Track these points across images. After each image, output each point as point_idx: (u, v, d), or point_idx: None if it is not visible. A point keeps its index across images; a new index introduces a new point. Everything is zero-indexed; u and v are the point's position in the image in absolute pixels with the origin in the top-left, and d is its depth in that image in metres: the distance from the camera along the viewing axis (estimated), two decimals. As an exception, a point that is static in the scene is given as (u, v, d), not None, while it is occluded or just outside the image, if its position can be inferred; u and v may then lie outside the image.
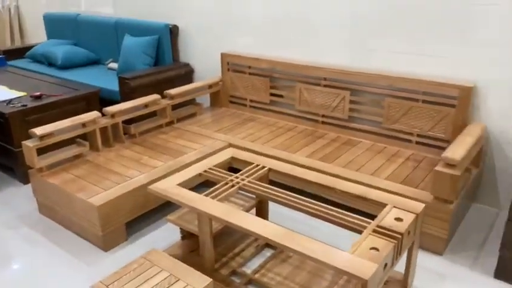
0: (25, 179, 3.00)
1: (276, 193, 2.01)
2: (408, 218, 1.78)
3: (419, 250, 2.31)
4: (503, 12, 2.36)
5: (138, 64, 3.82)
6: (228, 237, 2.37)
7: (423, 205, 1.87)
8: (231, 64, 3.58)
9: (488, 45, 2.45)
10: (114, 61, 4.41)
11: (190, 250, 2.27)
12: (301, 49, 3.22)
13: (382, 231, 1.69)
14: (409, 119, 2.77)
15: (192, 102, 3.64)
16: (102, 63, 4.62)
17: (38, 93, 3.19)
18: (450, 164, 2.13)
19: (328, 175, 2.43)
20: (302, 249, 1.57)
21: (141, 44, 3.88)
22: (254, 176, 2.18)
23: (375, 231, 1.70)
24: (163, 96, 3.30)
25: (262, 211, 2.40)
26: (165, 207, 2.69)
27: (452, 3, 2.50)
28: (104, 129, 2.88)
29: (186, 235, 2.36)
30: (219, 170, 2.24)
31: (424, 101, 2.70)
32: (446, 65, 2.62)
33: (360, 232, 1.74)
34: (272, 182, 2.69)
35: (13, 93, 3.29)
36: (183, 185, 2.12)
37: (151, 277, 1.70)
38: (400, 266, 2.07)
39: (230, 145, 2.96)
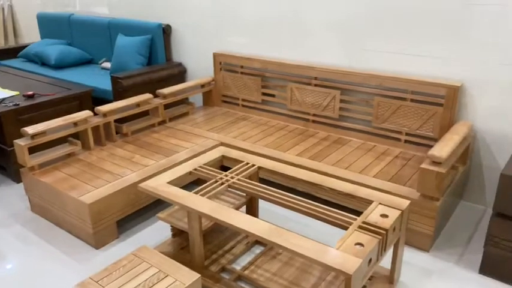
0: (17, 178, 3.02)
1: (265, 191, 2.04)
2: (393, 215, 1.82)
3: (406, 247, 2.34)
4: (491, 13, 2.40)
5: (131, 64, 3.84)
6: (219, 234, 2.40)
7: (408, 202, 1.90)
8: (223, 64, 3.61)
9: (476, 46, 2.49)
10: (108, 61, 4.43)
11: (181, 247, 2.30)
12: (293, 49, 3.25)
13: (368, 227, 1.72)
14: (398, 118, 2.81)
15: (184, 101, 3.66)
16: (96, 63, 4.63)
17: (30, 93, 3.21)
18: (436, 162, 2.16)
19: (317, 173, 2.47)
20: (288, 245, 1.60)
21: (134, 44, 3.90)
22: (244, 174, 2.21)
23: (360, 227, 1.73)
24: (155, 96, 3.33)
25: (252, 209, 2.43)
26: (156, 205, 2.71)
27: (441, 4, 2.54)
28: (96, 128, 2.90)
29: (177, 233, 2.39)
30: (209, 168, 2.26)
31: (412, 100, 2.74)
32: (435, 64, 2.66)
33: (346, 228, 1.77)
34: (263, 181, 2.73)
35: (6, 93, 3.30)
36: (173, 183, 2.15)
37: (141, 273, 1.73)
38: (387, 262, 2.11)
39: (222, 144, 2.98)
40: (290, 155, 2.75)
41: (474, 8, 2.44)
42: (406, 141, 2.83)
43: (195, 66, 3.93)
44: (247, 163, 2.31)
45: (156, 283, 1.67)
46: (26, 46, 5.04)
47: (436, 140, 2.69)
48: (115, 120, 3.05)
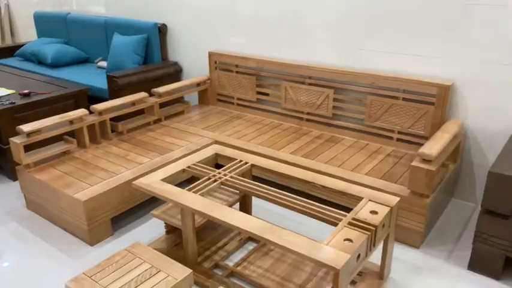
0: (13, 176, 3.04)
1: (257, 188, 2.07)
2: (383, 211, 1.85)
3: (396, 243, 2.38)
4: (482, 13, 2.43)
5: (127, 63, 3.87)
6: (212, 231, 2.43)
7: (398, 199, 1.93)
8: (218, 63, 3.64)
9: (467, 45, 2.52)
10: (104, 60, 4.45)
11: (174, 244, 2.32)
12: (287, 48, 3.28)
13: (357, 224, 1.75)
14: (390, 117, 2.84)
15: (180, 100, 3.68)
16: (92, 62, 4.66)
17: (26, 91, 3.23)
18: (426, 160, 2.20)
19: (310, 171, 2.50)
20: (278, 241, 1.63)
21: (130, 43, 3.92)
22: (237, 171, 2.24)
23: (350, 223, 1.76)
24: (151, 94, 3.35)
25: (245, 206, 2.46)
26: (150, 203, 2.74)
27: (433, 5, 2.57)
28: (91, 127, 2.92)
29: (171, 230, 2.41)
30: (203, 165, 2.29)
31: (404, 99, 2.77)
32: (427, 63, 2.69)
33: (336, 225, 1.80)
34: (257, 179, 2.76)
35: (2, 91, 3.32)
36: (166, 180, 2.17)
37: (133, 268, 1.75)
38: (377, 258, 2.14)
39: (216, 142, 3.01)
40: (284, 153, 2.78)
41: (465, 8, 2.47)
42: (398, 139, 2.86)
43: (191, 65, 3.96)
44: (241, 161, 2.34)
45: (148, 278, 1.70)
46: (22, 45, 5.05)
47: (427, 138, 2.72)
48: (111, 119, 3.08)
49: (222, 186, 2.36)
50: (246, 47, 3.51)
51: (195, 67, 3.93)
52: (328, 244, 1.63)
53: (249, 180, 2.13)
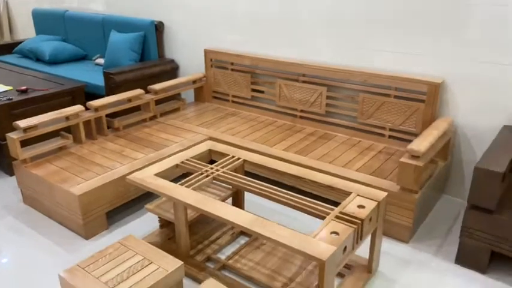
0: (10, 171, 3.09)
1: (248, 183, 2.11)
2: (370, 205, 1.89)
3: (386, 238, 2.42)
4: (472, 12, 2.47)
5: (124, 60, 3.90)
6: (205, 225, 2.47)
7: (385, 193, 1.97)
8: (214, 60, 3.68)
9: (457, 43, 2.56)
10: (101, 57, 4.49)
11: (168, 238, 2.37)
12: (282, 46, 3.32)
13: (344, 217, 1.79)
14: (382, 114, 2.88)
15: (176, 97, 3.72)
16: (90, 59, 4.69)
17: (24, 88, 3.27)
18: (415, 156, 2.24)
19: (302, 167, 2.54)
20: (266, 233, 1.67)
21: (127, 40, 3.95)
22: (229, 166, 2.28)
23: (337, 217, 1.81)
24: (147, 91, 3.39)
25: (238, 201, 2.50)
26: (145, 197, 2.78)
27: (424, 4, 2.60)
28: (87, 123, 2.96)
29: (164, 224, 2.46)
30: (196, 161, 2.33)
31: (395, 97, 2.81)
32: (418, 62, 2.73)
33: (324, 218, 1.84)
34: (250, 175, 2.80)
35: (0, 88, 3.36)
36: (160, 175, 2.21)
37: (126, 260, 1.80)
38: (366, 252, 2.18)
39: (211, 139, 3.05)
40: (277, 150, 2.82)
41: (457, 8, 2.51)
42: (390, 136, 2.90)
43: (187, 62, 4.00)
44: (233, 156, 2.38)
45: (140, 269, 1.74)
46: (21, 42, 5.09)
47: (418, 135, 2.75)
48: (107, 115, 3.12)
49: (215, 181, 2.40)
50: (241, 45, 3.55)
51: (191, 64, 3.97)
52: (315, 237, 1.67)
53: (240, 175, 2.18)
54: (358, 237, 1.80)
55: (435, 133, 2.40)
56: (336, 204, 2.45)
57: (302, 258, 2.18)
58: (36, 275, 2.16)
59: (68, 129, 2.90)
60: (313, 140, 2.99)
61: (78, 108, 2.86)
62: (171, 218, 2.18)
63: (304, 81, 3.19)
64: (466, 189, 2.78)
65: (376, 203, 1.91)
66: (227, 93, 3.66)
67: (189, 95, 3.95)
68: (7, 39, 6.04)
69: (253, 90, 3.52)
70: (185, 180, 2.13)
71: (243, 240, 2.41)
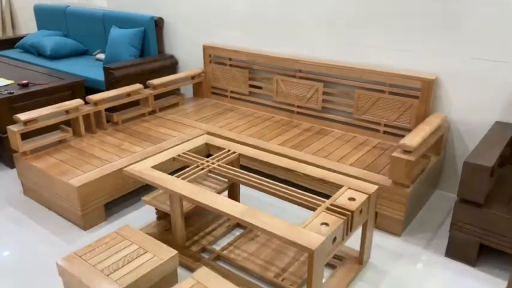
0: (11, 164, 3.14)
1: (242, 175, 2.16)
2: (360, 198, 1.93)
3: (378, 231, 2.46)
4: (466, 9, 2.50)
5: (124, 55, 3.95)
6: (201, 217, 2.52)
7: (376, 187, 2.02)
8: (212, 56, 3.72)
9: (451, 40, 2.60)
10: (102, 52, 4.54)
11: (165, 229, 2.42)
12: (279, 42, 3.36)
13: (334, 209, 1.84)
14: (377, 110, 2.92)
15: (175, 92, 3.77)
16: (90, 54, 4.74)
17: (25, 82, 3.32)
18: (406, 151, 2.28)
19: (297, 161, 2.59)
20: (258, 223, 1.72)
21: (127, 36, 4.00)
22: (224, 160, 2.33)
23: (328, 208, 1.85)
24: (147, 86, 3.44)
25: (233, 194, 2.55)
26: (143, 190, 2.83)
27: (418, 2, 2.64)
28: (87, 117, 3.01)
29: (161, 216, 2.51)
30: (192, 154, 2.38)
31: (390, 93, 2.85)
32: (412, 58, 2.76)
33: (315, 210, 1.89)
34: (246, 169, 2.85)
35: (1, 81, 3.41)
36: (157, 167, 2.26)
37: (122, 249, 1.85)
38: (358, 245, 2.23)
39: (208, 133, 3.10)
40: (272, 144, 2.86)
41: (450, 5, 2.54)
42: (384, 132, 2.94)
43: (187, 58, 4.04)
44: (229, 150, 2.43)
45: (135, 258, 1.79)
46: (23, 37, 5.14)
47: (412, 131, 2.79)
48: (107, 109, 3.17)
49: (211, 175, 2.46)
50: (240, 41, 3.59)
51: (190, 60, 4.01)
52: (305, 227, 1.71)
53: (235, 169, 2.22)
54: (348, 229, 1.84)
55: (427, 129, 2.44)
56: (328, 197, 2.50)
57: (295, 250, 2.23)
58: (35, 264, 2.21)
59: (67, 123, 2.96)
60: (309, 135, 3.04)
61: (77, 102, 2.91)
62: (167, 210, 2.23)
63: (300, 77, 3.24)
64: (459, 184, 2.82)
65: (366, 195, 1.96)
66: (225, 88, 3.70)
67: (188, 90, 3.99)
68: (9, 34, 6.09)
69: (251, 86, 3.56)
70: (181, 172, 2.18)
71: (238, 232, 2.45)
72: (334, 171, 2.52)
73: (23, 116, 2.66)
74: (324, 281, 2.02)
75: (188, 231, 2.39)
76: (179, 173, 2.16)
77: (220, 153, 2.39)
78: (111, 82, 3.59)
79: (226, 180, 2.52)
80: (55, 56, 4.53)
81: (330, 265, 2.17)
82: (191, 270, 2.13)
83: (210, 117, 3.37)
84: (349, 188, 2.02)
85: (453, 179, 2.83)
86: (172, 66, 4.07)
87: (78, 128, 2.95)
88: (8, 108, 3.08)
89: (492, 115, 2.58)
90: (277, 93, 3.39)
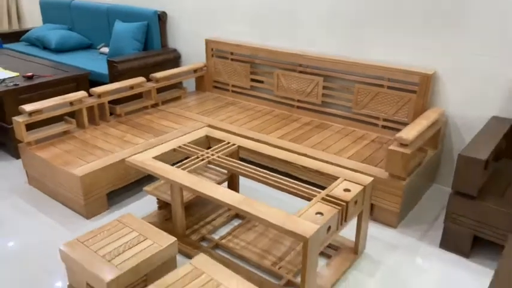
0: (16, 154, 3.21)
1: (241, 167, 2.21)
2: (356, 189, 1.98)
3: (374, 223, 2.51)
4: (464, 5, 2.53)
5: (128, 49, 4.00)
6: (201, 208, 2.57)
7: (371, 178, 2.06)
8: (215, 50, 3.76)
9: (449, 36, 2.63)
10: (106, 46, 4.59)
11: (165, 219, 2.47)
12: (281, 37, 3.39)
13: (330, 200, 1.89)
14: (376, 104, 2.96)
15: (177, 86, 3.81)
16: (95, 48, 4.80)
17: (30, 74, 3.38)
18: (403, 144, 2.32)
19: (296, 154, 2.63)
20: (253, 211, 1.77)
21: (130, 30, 4.05)
22: (224, 152, 2.38)
23: (323, 199, 1.90)
24: (149, 80, 3.49)
25: (233, 185, 2.60)
26: (145, 181, 2.88)
27: (416, -4, 2.68)
28: (90, 109, 3.07)
29: (163, 205, 2.56)
30: (192, 146, 2.43)
31: (389, 87, 2.88)
32: (411, 53, 2.79)
33: (311, 200, 1.94)
34: (245, 162, 2.89)
35: (7, 73, 3.48)
36: (158, 158, 2.32)
37: (123, 236, 1.90)
38: (354, 235, 2.28)
39: (209, 126, 3.14)
40: (272, 138, 2.91)
41: (449, 1, 2.57)
42: (383, 126, 2.98)
43: (190, 52, 4.08)
44: (228, 142, 2.48)
45: (136, 244, 1.85)
46: (28, 30, 5.20)
47: (410, 125, 2.84)
48: (110, 102, 3.22)
49: (212, 166, 2.51)
50: (241, 35, 3.63)
51: (193, 54, 4.05)
52: (301, 216, 1.76)
53: (234, 160, 2.27)
54: (343, 219, 1.89)
55: (424, 123, 2.48)
56: (324, 189, 2.54)
57: (292, 240, 2.28)
58: (39, 251, 2.28)
59: (71, 115, 3.01)
60: (309, 129, 3.08)
61: (81, 94, 2.97)
62: (168, 199, 2.29)
63: (301, 72, 3.27)
64: (455, 178, 2.85)
65: (362, 187, 2.00)
66: (227, 82, 3.75)
67: (190, 84, 4.04)
68: (15, 27, 6.15)
69: (252, 80, 3.60)
70: (182, 163, 2.23)
71: (236, 222, 2.51)
72: (332, 164, 2.56)
73: (28, 107, 2.72)
74: (319, 269, 2.07)
75: (188, 221, 2.44)
76: (179, 164, 2.21)
77: (220, 145, 2.44)
78: (115, 75, 3.64)
79: (226, 172, 2.57)
80: (60, 49, 4.59)
81: (326, 255, 2.22)
82: (190, 257, 2.19)
83: (212, 111, 3.42)
84: (345, 179, 2.06)
85: (450, 173, 2.87)
86: (175, 60, 4.12)
87: (81, 119, 3.01)
88: (13, 99, 3.14)
89: (489, 110, 2.61)
90: (277, 88, 3.43)
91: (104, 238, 1.89)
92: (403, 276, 2.11)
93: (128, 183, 2.72)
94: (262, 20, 3.45)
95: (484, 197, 2.12)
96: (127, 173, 2.66)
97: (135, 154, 2.68)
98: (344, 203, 1.86)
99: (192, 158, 2.30)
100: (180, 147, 2.43)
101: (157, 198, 2.52)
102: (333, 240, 2.27)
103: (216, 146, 2.42)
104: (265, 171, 2.14)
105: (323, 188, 2.56)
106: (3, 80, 3.32)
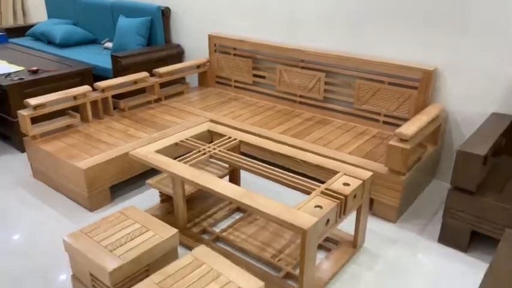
0: (21, 148, 3.25)
1: (242, 161, 2.24)
2: (355, 183, 2.00)
3: (374, 218, 2.53)
4: (465, 2, 2.54)
5: (131, 44, 4.03)
6: (202, 201, 2.61)
7: (371, 173, 2.09)
8: (217, 45, 3.79)
9: (450, 32, 2.64)
10: (110, 41, 4.62)
11: (168, 212, 2.51)
12: (284, 33, 3.41)
13: (329, 193, 1.91)
14: (377, 100, 2.98)
15: (181, 81, 3.85)
16: (99, 43, 4.83)
17: (35, 68, 3.41)
18: (403, 139, 2.34)
19: (296, 149, 2.66)
20: (253, 204, 1.80)
21: (134, 25, 4.08)
22: (225, 146, 2.41)
23: (322, 192, 1.93)
24: (153, 75, 3.52)
25: (234, 179, 2.64)
26: (148, 175, 2.92)
27: (418, -8, 2.69)
28: (94, 103, 3.11)
29: (165, 199, 2.60)
30: (194, 140, 2.46)
31: (390, 83, 2.90)
32: (412, 49, 2.81)
33: (310, 194, 1.96)
34: (246, 156, 2.92)
35: (12, 68, 3.52)
36: (160, 152, 2.35)
37: (125, 227, 1.94)
38: (353, 230, 2.30)
39: (212, 121, 3.17)
40: (274, 133, 2.93)
41: (449, -3, 2.59)
42: (384, 122, 3.00)
43: (193, 47, 4.11)
44: (230, 137, 2.51)
45: (138, 235, 1.88)
46: (33, 25, 5.24)
47: (411, 121, 2.85)
48: (114, 96, 3.26)
49: (213, 160, 2.54)
50: (244, 31, 3.65)
51: (196, 49, 4.08)
52: (300, 209, 1.79)
53: (235, 154, 2.30)
54: (342, 212, 1.92)
55: (424, 118, 2.49)
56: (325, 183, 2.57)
57: (292, 233, 2.31)
58: (43, 242, 2.32)
59: (76, 109, 3.05)
60: (311, 124, 3.10)
61: (85, 88, 3.00)
62: (170, 192, 2.32)
63: (303, 67, 3.29)
64: (456, 174, 2.87)
65: (361, 181, 2.03)
66: (230, 78, 3.77)
67: (193, 79, 4.07)
68: (20, 22, 6.20)
69: (255, 75, 3.63)
70: (184, 157, 2.26)
71: (237, 216, 2.54)
72: (332, 159, 2.58)
73: (32, 101, 2.76)
74: (318, 262, 2.10)
75: (190, 214, 2.47)
76: (181, 158, 2.25)
77: (221, 139, 2.47)
78: (119, 70, 3.68)
79: (227, 166, 2.60)
80: (64, 44, 4.63)
81: (325, 248, 2.25)
82: (192, 250, 2.21)
83: (214, 106, 3.45)
84: (345, 174, 2.09)
85: (450, 168, 2.88)
86: (178, 56, 4.15)
87: (85, 113, 3.04)
88: (18, 93, 3.18)
89: (490, 106, 2.63)
90: (280, 83, 3.45)
91: (107, 229, 1.93)
92: (401, 269, 2.14)
93: (131, 177, 2.76)
94: (265, 16, 3.47)
95: (482, 193, 2.14)
96: (130, 166, 2.70)
97: (138, 148, 2.72)
98: (343, 197, 1.89)
99: (194, 152, 2.33)
100: (182, 141, 2.46)
101: (160, 192, 2.56)
102: (332, 234, 2.30)
103: (218, 141, 2.45)
104: (265, 165, 2.17)
105: (323, 182, 2.60)
106: (9, 74, 3.36)
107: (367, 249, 2.28)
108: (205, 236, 2.33)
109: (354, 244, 2.23)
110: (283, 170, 2.67)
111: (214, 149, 2.36)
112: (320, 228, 1.77)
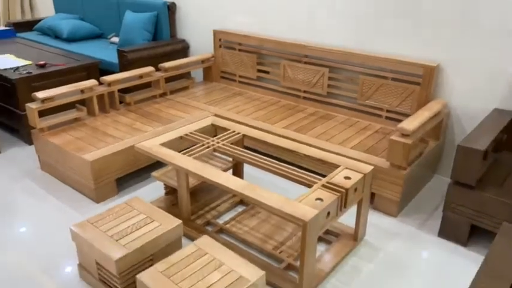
0: (29, 140, 3.31)
1: (245, 154, 2.28)
2: (356, 177, 2.04)
3: (375, 212, 2.57)
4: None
5: (138, 39, 4.07)
6: (206, 194, 2.65)
7: (372, 167, 2.12)
8: (222, 41, 3.82)
9: (453, 27, 2.65)
10: (116, 36, 4.67)
11: (172, 204, 2.56)
12: (289, 28, 3.44)
13: (330, 186, 1.95)
14: (380, 96, 3.00)
15: (186, 76, 3.88)
16: (105, 38, 4.88)
17: (42, 62, 3.47)
18: (404, 134, 2.36)
19: (299, 143, 2.69)
20: (255, 196, 1.84)
21: (140, 20, 4.12)
22: (229, 140, 2.45)
23: (323, 186, 1.96)
24: (158, 69, 3.56)
25: (237, 172, 2.68)
26: (153, 168, 2.96)
27: (421, -12, 2.70)
28: (101, 97, 3.15)
29: (170, 191, 2.64)
30: (199, 134, 2.50)
31: (393, 79, 2.92)
32: (415, 45, 2.82)
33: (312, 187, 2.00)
34: (250, 151, 2.95)
35: (20, 62, 3.58)
36: (165, 145, 2.39)
37: (130, 218, 1.99)
38: (354, 223, 2.34)
39: (216, 116, 3.21)
40: (277, 128, 2.97)
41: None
42: (386, 117, 3.02)
43: (198, 42, 4.15)
44: (234, 131, 2.55)
45: (143, 226, 1.93)
46: (41, 20, 5.30)
47: (413, 117, 2.87)
48: (120, 90, 3.30)
49: (217, 154, 2.58)
50: (249, 26, 3.68)
51: (201, 44, 4.12)
52: (301, 201, 1.83)
53: (238, 148, 2.34)
54: (342, 205, 1.95)
55: (426, 114, 2.52)
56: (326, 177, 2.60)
57: (294, 226, 2.35)
58: (50, 232, 2.38)
59: (82, 103, 3.10)
60: (314, 119, 3.13)
61: (92, 82, 3.05)
62: (175, 185, 2.37)
63: (307, 63, 3.32)
64: (457, 169, 2.89)
65: (362, 175, 2.06)
66: (234, 73, 3.81)
67: (198, 74, 4.11)
68: (28, 17, 6.26)
69: (259, 70, 3.66)
70: (188, 150, 2.30)
71: (240, 208, 2.58)
72: (335, 153, 2.62)
73: (40, 94, 2.81)
74: (319, 254, 2.14)
75: (194, 206, 2.52)
76: (185, 151, 2.29)
77: (225, 133, 2.51)
78: (125, 64, 3.72)
79: (231, 159, 2.64)
80: (71, 39, 4.68)
81: (326, 241, 2.29)
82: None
83: (219, 101, 3.49)
84: (346, 168, 2.12)
85: (452, 164, 2.90)
86: (183, 50, 4.18)
87: (92, 107, 3.09)
88: (26, 87, 3.23)
89: (492, 102, 2.64)
90: (284, 78, 3.48)
91: (113, 220, 1.98)
92: (401, 262, 2.17)
93: (137, 170, 2.80)
94: (270, 11, 3.50)
95: (482, 187, 2.17)
96: (136, 159, 2.75)
97: (144, 141, 2.77)
98: (344, 190, 1.92)
99: (198, 145, 2.37)
100: (186, 135, 2.50)
101: (165, 184, 2.60)
102: (333, 227, 2.34)
103: (222, 134, 2.49)
104: (268, 158, 2.20)
105: (325, 176, 2.63)
106: (17, 68, 3.42)
107: (368, 242, 2.31)
108: (209, 228, 2.38)
109: (355, 237, 2.27)
110: (286, 164, 2.72)
111: (218, 142, 2.40)
112: (321, 221, 1.81)
